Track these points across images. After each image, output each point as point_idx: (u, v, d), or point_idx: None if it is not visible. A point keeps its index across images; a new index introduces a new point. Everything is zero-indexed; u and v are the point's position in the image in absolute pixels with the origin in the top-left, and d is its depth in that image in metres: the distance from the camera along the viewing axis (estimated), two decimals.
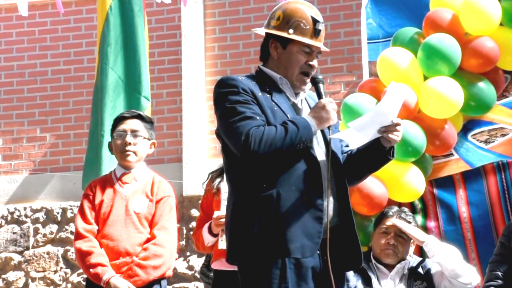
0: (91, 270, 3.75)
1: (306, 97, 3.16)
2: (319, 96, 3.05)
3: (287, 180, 2.92)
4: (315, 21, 3.07)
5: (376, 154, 3.08)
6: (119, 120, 4.01)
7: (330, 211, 2.98)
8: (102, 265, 3.75)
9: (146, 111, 4.97)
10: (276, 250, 2.89)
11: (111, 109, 4.99)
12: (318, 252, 2.95)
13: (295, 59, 3.06)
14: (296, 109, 3.07)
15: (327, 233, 2.95)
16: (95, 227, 3.86)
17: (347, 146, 3.15)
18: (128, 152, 3.92)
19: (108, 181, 3.95)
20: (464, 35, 4.61)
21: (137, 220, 3.84)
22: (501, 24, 4.61)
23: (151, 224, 3.86)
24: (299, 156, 2.95)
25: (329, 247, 2.93)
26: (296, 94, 3.11)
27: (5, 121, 7.17)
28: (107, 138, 4.88)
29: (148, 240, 3.83)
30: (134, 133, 3.94)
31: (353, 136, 2.99)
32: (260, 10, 6.84)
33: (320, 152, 3.01)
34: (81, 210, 3.89)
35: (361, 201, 4.37)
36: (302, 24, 3.05)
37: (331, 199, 2.98)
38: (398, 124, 3.00)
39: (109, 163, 4.84)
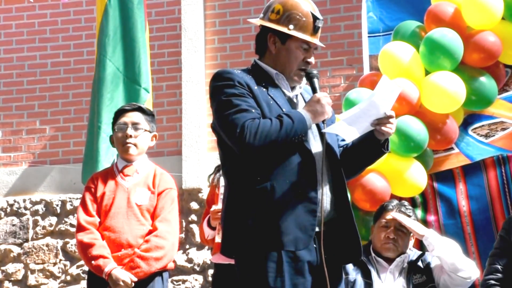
0: (92, 262, 3.75)
1: (301, 92, 3.16)
2: (314, 90, 3.05)
3: (281, 173, 2.92)
4: (315, 18, 3.07)
5: (370, 147, 3.08)
6: (120, 113, 4.01)
7: (326, 204, 2.98)
8: (104, 257, 3.75)
9: (147, 103, 4.95)
10: (270, 243, 2.90)
11: (108, 100, 4.98)
12: (315, 245, 2.95)
13: (294, 55, 3.06)
14: (291, 103, 3.07)
15: (324, 226, 2.94)
16: (96, 219, 3.86)
17: (343, 140, 3.15)
18: (129, 145, 3.92)
19: (110, 174, 3.96)
20: (466, 29, 4.61)
21: (139, 212, 3.85)
22: (503, 18, 4.62)
23: (153, 216, 3.87)
24: (294, 149, 2.96)
25: (327, 240, 2.93)
26: (292, 89, 3.12)
27: (5, 113, 7.16)
28: (104, 129, 4.88)
29: (150, 232, 3.83)
30: (135, 125, 3.95)
31: (346, 129, 3.00)
32: (260, 3, 6.82)
33: (315, 146, 3.02)
34: (83, 202, 3.90)
35: (364, 196, 4.38)
36: (302, 20, 3.05)
37: (326, 192, 2.98)
38: (391, 116, 2.99)
39: (105, 154, 4.84)
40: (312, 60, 3.09)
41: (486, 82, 4.56)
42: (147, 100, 5.00)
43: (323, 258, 2.91)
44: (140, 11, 5.10)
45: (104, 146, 4.86)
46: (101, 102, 4.99)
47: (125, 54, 5.06)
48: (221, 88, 2.98)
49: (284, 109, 2.98)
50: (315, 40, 3.08)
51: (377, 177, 4.39)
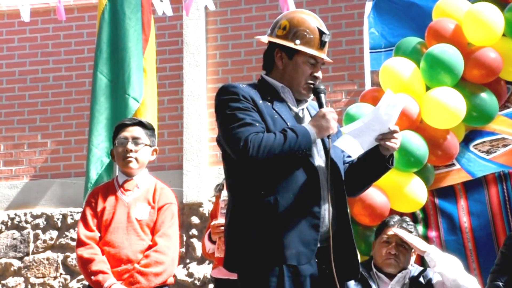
0: (92, 277, 3.75)
1: (307, 106, 3.17)
2: (320, 105, 3.07)
3: (285, 187, 2.93)
4: (321, 33, 3.09)
5: (375, 162, 3.09)
6: (120, 127, 4.01)
7: (329, 219, 2.98)
8: (103, 273, 3.74)
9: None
10: (272, 257, 2.90)
11: (97, 113, 4.97)
12: (316, 260, 2.95)
13: (301, 70, 3.08)
14: (297, 118, 3.09)
15: (326, 241, 2.96)
16: (97, 234, 3.85)
17: (349, 156, 3.16)
18: (129, 159, 3.92)
19: (110, 188, 3.95)
20: (466, 46, 4.62)
21: (138, 227, 3.84)
22: (503, 35, 4.63)
23: (153, 231, 3.86)
24: (298, 164, 2.96)
25: (328, 256, 2.94)
26: (298, 103, 3.13)
27: (6, 126, 7.18)
28: (92, 141, 4.87)
29: (149, 247, 3.82)
30: (135, 140, 3.95)
31: (350, 144, 3.00)
32: (262, 18, 6.86)
33: (320, 161, 3.03)
34: (83, 217, 3.89)
35: (363, 211, 4.37)
36: (308, 35, 3.07)
37: (329, 207, 2.98)
38: (395, 131, 3.01)
39: (93, 165, 4.84)
40: (319, 74, 3.11)
41: (487, 98, 4.57)
42: (136, 110, 4.95)
43: (334, 273, 2.91)
44: (132, 21, 5.07)
45: (92, 158, 4.86)
46: (91, 114, 5.00)
47: (115, 65, 5.05)
48: (226, 102, 3.00)
49: (288, 123, 3.00)
50: (322, 55, 3.10)
51: (376, 192, 4.38)
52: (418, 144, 4.42)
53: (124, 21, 5.07)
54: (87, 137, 6.79)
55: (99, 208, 3.88)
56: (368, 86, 4.90)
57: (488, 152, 4.66)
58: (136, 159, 3.93)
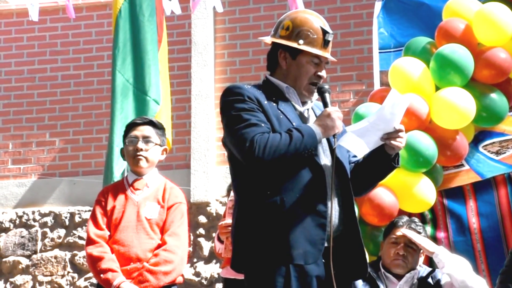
0: (101, 275, 3.75)
1: (312, 106, 3.18)
2: (325, 105, 3.07)
3: (291, 187, 2.94)
4: (324, 32, 3.09)
5: (381, 161, 3.09)
6: (131, 126, 4.02)
7: (334, 219, 2.99)
8: (113, 271, 3.74)
9: (159, 115, 4.96)
10: (279, 257, 2.90)
11: (117, 111, 5.00)
12: (323, 260, 2.95)
13: (305, 70, 3.08)
14: (302, 118, 3.09)
15: (333, 241, 2.96)
16: (106, 233, 3.86)
17: (354, 156, 3.16)
18: (139, 157, 3.93)
19: (120, 187, 3.96)
20: (477, 46, 4.61)
21: (148, 226, 3.84)
22: None
23: (162, 230, 3.86)
24: (304, 163, 2.97)
25: (334, 256, 2.94)
26: (303, 104, 3.13)
27: (15, 125, 7.20)
28: (114, 140, 4.89)
29: (159, 246, 3.82)
30: (145, 139, 3.95)
31: (355, 143, 3.01)
32: (270, 18, 6.86)
33: (326, 160, 3.03)
34: (93, 216, 3.90)
35: (372, 211, 4.37)
36: (311, 35, 3.07)
37: (335, 206, 2.99)
38: (400, 131, 3.01)
39: (116, 165, 4.85)
40: (323, 73, 3.11)
41: (497, 98, 4.56)
42: (157, 112, 5.00)
43: (332, 273, 2.91)
44: (151, 23, 5.12)
45: (114, 157, 4.88)
46: (111, 113, 5.03)
47: (135, 66, 5.08)
48: (231, 103, 3.00)
49: (294, 123, 3.00)
50: (326, 54, 3.10)
51: (385, 191, 4.38)
52: (427, 144, 4.41)
53: (144, 23, 5.11)
54: (95, 136, 6.88)
55: (109, 207, 3.89)
56: (377, 86, 4.89)
57: (497, 153, 4.65)
58: (146, 158, 3.94)
